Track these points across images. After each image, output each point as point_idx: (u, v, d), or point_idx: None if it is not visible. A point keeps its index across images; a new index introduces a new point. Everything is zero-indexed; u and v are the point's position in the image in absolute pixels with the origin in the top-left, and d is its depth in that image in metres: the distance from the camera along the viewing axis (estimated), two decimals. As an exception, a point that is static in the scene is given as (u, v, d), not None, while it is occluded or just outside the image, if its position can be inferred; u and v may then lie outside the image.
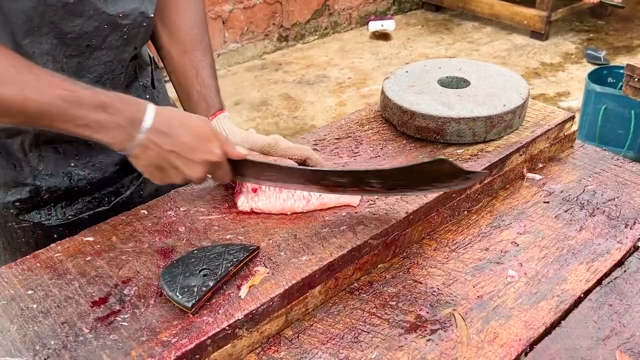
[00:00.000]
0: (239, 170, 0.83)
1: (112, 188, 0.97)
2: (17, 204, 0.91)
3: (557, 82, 3.73)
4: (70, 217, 0.94)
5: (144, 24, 0.89)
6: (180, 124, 0.76)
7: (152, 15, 0.89)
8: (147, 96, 0.99)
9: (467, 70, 1.12)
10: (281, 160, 0.86)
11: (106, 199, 0.97)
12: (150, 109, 0.75)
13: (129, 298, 0.71)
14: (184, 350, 0.64)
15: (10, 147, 0.88)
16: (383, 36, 4.52)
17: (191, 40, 0.93)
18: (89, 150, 0.92)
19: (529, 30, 4.40)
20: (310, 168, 0.84)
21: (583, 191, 0.99)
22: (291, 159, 0.87)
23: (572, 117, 1.09)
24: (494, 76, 1.10)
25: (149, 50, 1.04)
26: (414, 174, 0.76)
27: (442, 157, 0.73)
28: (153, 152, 0.75)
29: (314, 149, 1.01)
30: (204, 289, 0.70)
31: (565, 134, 1.09)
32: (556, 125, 1.05)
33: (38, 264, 0.77)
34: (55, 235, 0.88)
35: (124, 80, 0.93)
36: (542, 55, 4.13)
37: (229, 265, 0.74)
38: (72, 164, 0.92)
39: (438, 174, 0.75)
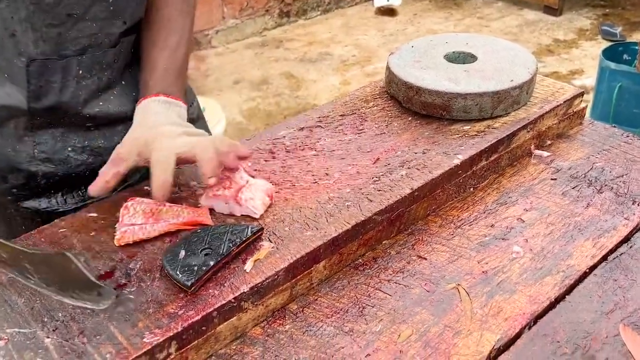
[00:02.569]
0: None
1: None
2: (14, 190, 0.93)
3: (571, 59, 3.74)
4: (71, 205, 0.97)
5: None
6: None
7: None
8: None
9: (474, 45, 1.14)
10: None
11: None
12: None
13: (134, 272, 0.75)
14: (190, 321, 0.68)
15: (4, 132, 0.89)
16: (389, 12, 4.53)
17: (157, 22, 0.93)
18: (87, 134, 0.94)
19: (541, 5, 4.39)
20: None
21: (591, 168, 1.02)
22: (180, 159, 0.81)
23: (582, 93, 1.12)
24: (501, 51, 1.12)
25: None
26: (48, 267, 0.71)
27: (68, 253, 0.69)
28: None
29: (318, 126, 1.05)
30: (204, 268, 0.73)
31: (574, 110, 1.12)
32: (565, 102, 1.08)
33: (43, 239, 0.81)
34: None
35: (121, 57, 0.94)
36: (555, 31, 4.14)
37: (231, 245, 0.77)
38: (69, 149, 0.93)
39: (64, 274, 0.70)
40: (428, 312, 0.76)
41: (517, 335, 0.73)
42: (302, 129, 1.04)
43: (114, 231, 0.81)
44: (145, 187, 0.90)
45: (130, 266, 0.76)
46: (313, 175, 0.92)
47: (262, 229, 0.81)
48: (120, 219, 0.80)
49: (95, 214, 0.85)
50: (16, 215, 0.95)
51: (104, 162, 0.96)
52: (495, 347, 0.71)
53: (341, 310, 0.77)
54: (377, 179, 0.91)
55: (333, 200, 0.86)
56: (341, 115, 1.08)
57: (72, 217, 0.85)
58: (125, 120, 0.97)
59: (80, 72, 0.89)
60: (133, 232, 0.78)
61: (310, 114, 1.09)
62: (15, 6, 0.80)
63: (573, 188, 0.97)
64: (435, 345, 0.72)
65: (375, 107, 1.10)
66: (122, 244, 0.78)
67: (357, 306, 0.77)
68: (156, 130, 0.83)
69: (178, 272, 0.73)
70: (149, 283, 0.73)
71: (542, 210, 0.93)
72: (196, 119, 1.15)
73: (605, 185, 0.98)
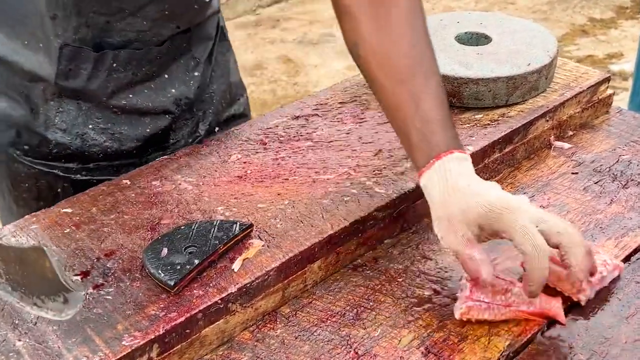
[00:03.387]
0: None
1: (132, 160, 1.06)
2: (25, 147, 1.02)
3: (608, 41, 3.78)
4: (80, 176, 1.04)
5: (195, 6, 0.97)
6: None
7: (208, 1, 0.97)
8: (196, 73, 1.06)
9: (488, 25, 1.19)
10: None
11: (124, 169, 1.05)
12: None
13: (112, 271, 0.80)
14: (173, 324, 0.73)
15: (31, 91, 0.98)
16: (401, -13, 4.56)
17: (408, 66, 0.85)
18: (112, 116, 1.01)
19: (575, -21, 4.43)
20: None
21: (617, 161, 1.06)
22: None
23: (608, 79, 1.16)
24: (518, 31, 1.17)
25: (220, 20, 1.12)
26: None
27: (45, 248, 0.72)
28: None
29: (315, 115, 1.09)
30: (188, 267, 0.78)
31: (600, 97, 1.16)
32: (589, 88, 1.13)
33: (13, 236, 0.86)
34: (59, 190, 1.00)
35: (166, 55, 1.00)
36: (591, 9, 4.18)
37: (217, 242, 0.82)
38: (90, 126, 1.01)
39: (35, 272, 0.74)
40: (432, 316, 0.81)
41: (529, 341, 0.78)
42: (297, 117, 1.09)
43: (91, 228, 0.86)
44: (124, 181, 0.95)
45: (108, 265, 0.81)
46: (309, 169, 0.97)
47: (251, 225, 0.85)
48: (465, 290, 0.79)
49: (69, 210, 0.90)
50: (22, 172, 1.04)
51: (121, 149, 1.03)
52: (504, 354, 0.76)
53: (337, 314, 0.81)
54: (379, 172, 0.95)
55: (330, 196, 0.91)
56: (340, 102, 1.12)
57: (43, 212, 0.89)
58: (153, 114, 1.04)
59: (114, 65, 0.97)
60: (479, 310, 0.78)
61: (307, 101, 1.13)
62: None
63: (596, 183, 1.02)
64: (439, 352, 0.76)
65: (379, 94, 1.14)
66: (465, 319, 0.79)
67: (355, 310, 0.82)
68: (483, 198, 0.77)
69: (160, 272, 0.77)
70: (128, 283, 0.78)
71: (560, 207, 0.97)
72: (241, 114, 1.21)
73: (632, 180, 1.02)
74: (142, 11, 0.93)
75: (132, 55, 0.97)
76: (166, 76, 1.03)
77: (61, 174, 1.03)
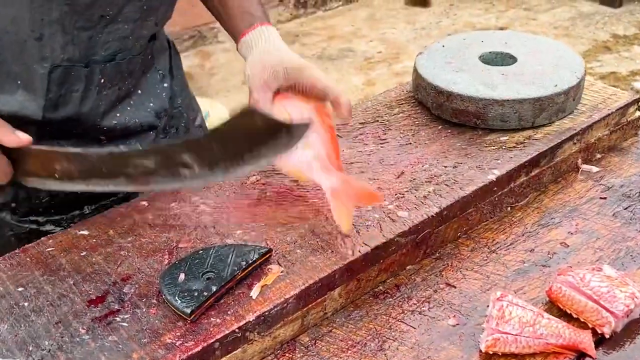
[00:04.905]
0: (22, 164, 0.80)
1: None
2: (12, 204, 0.99)
3: (632, 57, 3.73)
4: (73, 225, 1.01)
5: None
6: None
7: None
8: (165, 84, 1.07)
9: (513, 45, 1.17)
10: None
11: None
12: None
13: (128, 297, 0.78)
14: (189, 353, 0.71)
15: None
16: (421, 1, 4.57)
17: None
18: (97, 146, 0.99)
19: (598, -5, 4.40)
20: (107, 150, 0.79)
21: (647, 186, 1.03)
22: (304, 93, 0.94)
23: (637, 100, 1.14)
24: (544, 51, 1.15)
25: (167, 35, 1.13)
26: (226, 138, 0.76)
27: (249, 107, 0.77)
28: None
29: (337, 135, 1.07)
30: (206, 294, 0.76)
31: (629, 119, 1.13)
32: (618, 110, 1.10)
33: (28, 259, 0.85)
34: None
35: (142, 64, 1.01)
36: (614, 25, 4.14)
37: (236, 268, 0.80)
38: None
39: (252, 132, 0.75)
40: (457, 348, 0.78)
41: (558, 375, 0.75)
42: (317, 138, 1.07)
43: (107, 251, 0.85)
44: (142, 203, 0.94)
45: (124, 290, 0.79)
46: (329, 191, 0.95)
47: (270, 250, 0.83)
48: (491, 321, 0.77)
49: (86, 232, 0.89)
50: (11, 235, 1.01)
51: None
52: (532, 389, 0.73)
53: (358, 343, 0.79)
54: (401, 195, 0.93)
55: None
56: (361, 123, 1.11)
57: (61, 234, 0.89)
58: (138, 132, 1.03)
59: (102, 81, 0.96)
60: (506, 343, 0.76)
61: (327, 122, 1.12)
62: (48, 7, 0.87)
63: (625, 208, 0.99)
64: (464, 385, 0.74)
65: (401, 114, 1.12)
66: (491, 352, 0.76)
67: (377, 339, 0.80)
68: (289, 56, 0.98)
69: (177, 298, 0.76)
70: (144, 309, 0.76)
71: (589, 233, 0.94)
72: (203, 129, 1.21)
73: (663, 206, 0.99)
74: (121, 14, 0.92)
75: (118, 67, 0.96)
76: (140, 92, 1.03)
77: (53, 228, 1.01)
